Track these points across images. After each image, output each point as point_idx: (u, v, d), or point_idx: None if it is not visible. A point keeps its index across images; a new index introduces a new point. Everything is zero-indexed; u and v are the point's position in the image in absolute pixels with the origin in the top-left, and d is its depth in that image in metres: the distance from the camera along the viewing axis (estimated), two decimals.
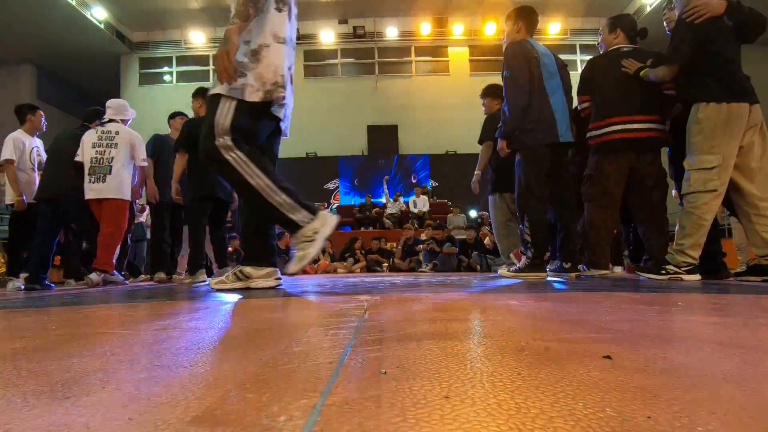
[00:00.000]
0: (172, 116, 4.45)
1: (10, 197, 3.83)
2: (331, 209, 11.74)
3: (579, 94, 2.97)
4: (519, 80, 2.80)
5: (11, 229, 4.00)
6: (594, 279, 2.65)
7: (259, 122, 1.92)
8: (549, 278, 2.77)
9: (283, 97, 1.89)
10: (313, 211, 1.83)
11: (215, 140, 1.80)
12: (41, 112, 4.01)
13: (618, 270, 4.52)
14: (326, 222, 1.82)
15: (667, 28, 2.77)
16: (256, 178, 1.78)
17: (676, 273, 2.38)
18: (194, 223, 3.64)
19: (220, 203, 3.79)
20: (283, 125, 2.08)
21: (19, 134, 3.86)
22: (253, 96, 1.82)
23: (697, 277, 2.39)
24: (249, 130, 1.87)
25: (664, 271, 2.41)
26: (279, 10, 1.90)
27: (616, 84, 2.75)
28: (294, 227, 1.80)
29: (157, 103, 11.54)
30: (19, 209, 3.78)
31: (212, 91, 1.87)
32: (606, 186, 2.77)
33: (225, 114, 1.81)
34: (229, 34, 1.73)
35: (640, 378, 0.42)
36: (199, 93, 3.75)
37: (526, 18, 3.02)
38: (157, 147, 4.20)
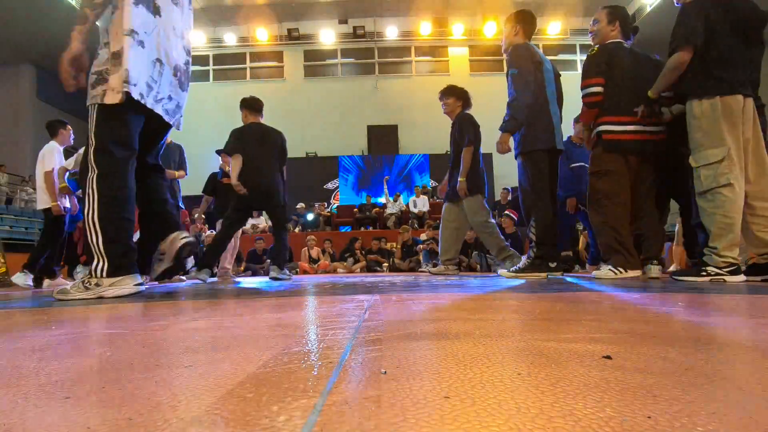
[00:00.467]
0: None
1: (43, 203, 4.10)
2: (331, 209, 11.75)
3: (592, 76, 2.72)
4: (526, 78, 2.83)
5: (44, 232, 4.29)
6: (601, 280, 2.64)
7: (126, 123, 1.89)
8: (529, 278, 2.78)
9: (134, 93, 1.84)
10: (115, 270, 1.79)
11: (88, 153, 1.85)
12: (70, 127, 4.42)
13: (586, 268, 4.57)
14: (115, 287, 1.79)
15: None
16: (90, 207, 1.80)
17: (717, 274, 2.24)
18: (225, 229, 3.75)
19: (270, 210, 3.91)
20: (168, 118, 2.04)
21: (56, 145, 4.24)
22: (113, 98, 1.81)
23: (742, 278, 2.24)
24: (118, 134, 1.86)
25: (704, 273, 2.27)
26: (136, 3, 1.84)
27: (632, 81, 2.67)
28: (90, 270, 1.82)
29: None
30: (57, 213, 4.09)
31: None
32: (622, 182, 2.70)
33: (92, 124, 1.84)
34: (70, 39, 1.76)
35: (640, 378, 0.42)
36: (242, 105, 3.91)
37: (525, 22, 3.06)
38: None
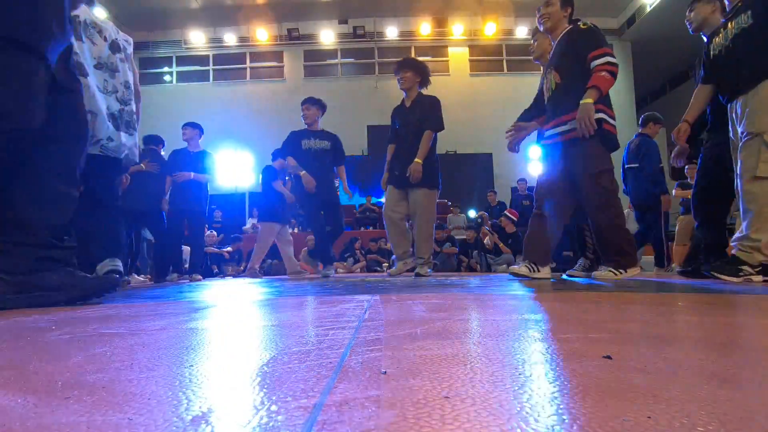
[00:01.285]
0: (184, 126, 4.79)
1: None
2: None
3: (608, 47, 2.50)
4: None
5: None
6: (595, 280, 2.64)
7: None
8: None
9: None
10: None
11: None
12: None
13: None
14: None
15: (690, 29, 2.59)
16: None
17: (749, 274, 2.15)
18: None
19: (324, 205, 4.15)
20: (110, 153, 2.36)
21: None
22: None
23: (760, 278, 2.18)
24: None
25: (741, 273, 2.16)
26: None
27: None
28: None
29: (158, 103, 11.53)
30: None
31: None
32: None
33: None
34: None
35: (640, 378, 0.42)
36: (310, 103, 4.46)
37: None
38: (170, 162, 4.59)
